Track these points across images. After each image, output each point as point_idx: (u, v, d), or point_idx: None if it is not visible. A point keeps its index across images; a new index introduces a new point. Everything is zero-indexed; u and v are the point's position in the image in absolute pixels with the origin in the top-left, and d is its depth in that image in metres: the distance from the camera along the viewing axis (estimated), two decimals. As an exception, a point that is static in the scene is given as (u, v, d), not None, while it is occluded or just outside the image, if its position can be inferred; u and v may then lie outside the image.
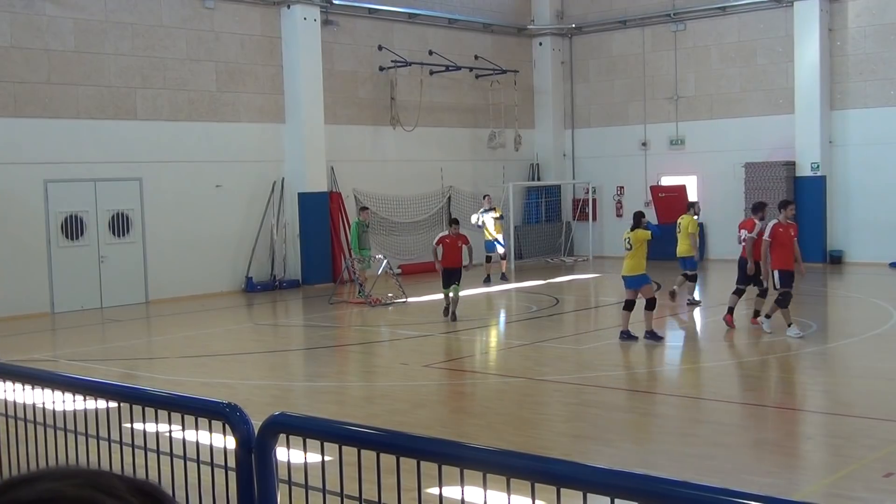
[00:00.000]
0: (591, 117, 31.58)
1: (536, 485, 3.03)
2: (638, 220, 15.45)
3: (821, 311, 19.78)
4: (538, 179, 31.55)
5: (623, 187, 30.72)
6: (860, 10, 26.29)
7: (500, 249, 24.88)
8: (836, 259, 26.61)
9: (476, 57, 29.55)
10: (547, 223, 31.31)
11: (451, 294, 18.09)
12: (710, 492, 2.69)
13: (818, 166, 26.68)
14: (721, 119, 28.66)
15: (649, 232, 15.37)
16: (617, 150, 30.77)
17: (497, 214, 24.82)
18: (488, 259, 24.79)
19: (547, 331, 17.61)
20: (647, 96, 30.20)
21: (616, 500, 2.84)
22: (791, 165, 26.96)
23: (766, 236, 15.34)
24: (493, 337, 17.50)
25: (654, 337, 15.13)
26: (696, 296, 20.08)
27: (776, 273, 15.30)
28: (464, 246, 18.47)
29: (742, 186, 27.41)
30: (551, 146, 31.71)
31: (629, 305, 15.30)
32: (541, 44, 31.62)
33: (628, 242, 15.33)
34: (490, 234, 24.57)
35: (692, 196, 26.53)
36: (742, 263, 16.33)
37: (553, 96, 31.68)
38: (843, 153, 26.70)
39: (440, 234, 19.10)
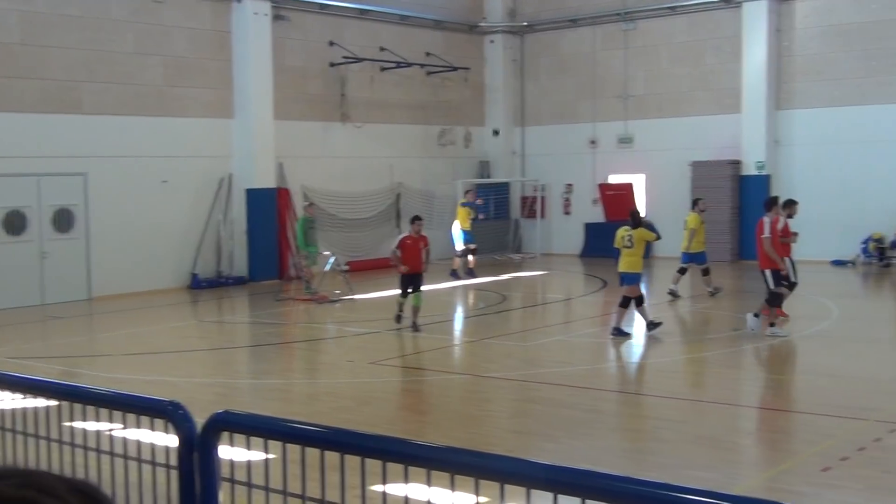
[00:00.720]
0: (541, 115, 31.72)
1: (480, 481, 3.05)
2: (639, 218, 15.65)
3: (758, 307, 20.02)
4: (488, 177, 31.63)
5: (572, 185, 30.89)
6: (808, 11, 26.68)
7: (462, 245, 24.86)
8: (780, 257, 26.95)
9: (427, 54, 29.55)
10: (496, 220, 31.43)
11: (412, 303, 16.49)
12: (651, 487, 2.72)
13: (763, 165, 27.06)
14: (669, 118, 28.92)
15: (654, 234, 15.75)
16: (566, 148, 30.93)
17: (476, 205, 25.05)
18: (473, 252, 24.81)
19: (494, 328, 17.68)
20: (597, 95, 30.40)
21: (559, 497, 2.86)
22: (737, 164, 27.32)
23: (765, 234, 15.23)
24: (441, 334, 17.51)
25: (621, 333, 15.32)
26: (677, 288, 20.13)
27: (769, 272, 15.28)
28: (424, 248, 16.82)
29: (689, 185, 27.71)
30: (501, 144, 31.81)
31: (626, 302, 15.36)
32: (492, 41, 31.68)
33: (629, 240, 15.39)
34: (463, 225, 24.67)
35: (639, 194, 26.80)
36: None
37: (504, 94, 31.77)
38: (789, 153, 27.09)
39: (401, 235, 17.67)
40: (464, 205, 25.10)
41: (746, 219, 27.17)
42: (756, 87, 27.01)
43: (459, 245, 24.82)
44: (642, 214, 16.02)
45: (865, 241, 25.38)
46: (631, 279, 15.45)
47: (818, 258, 25.78)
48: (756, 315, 15.35)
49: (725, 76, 27.84)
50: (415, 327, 16.34)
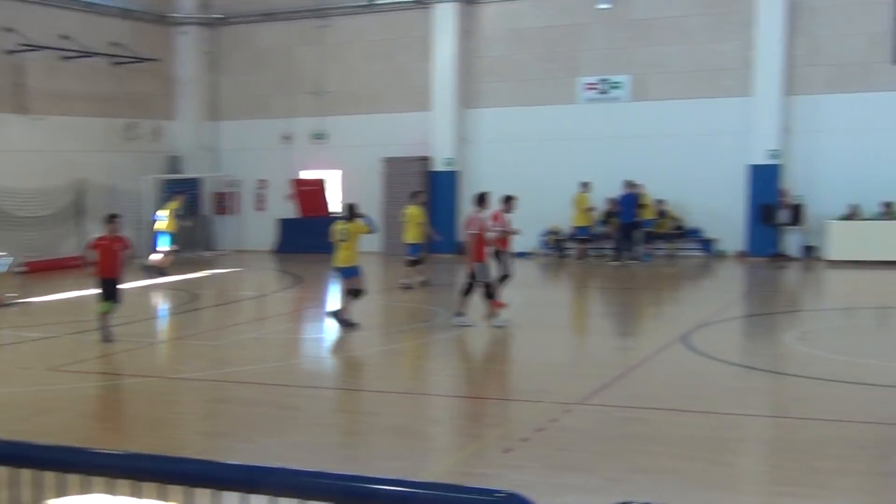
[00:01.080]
0: (235, 110, 31.25)
1: (167, 486, 2.99)
2: (354, 212, 15.77)
3: (449, 299, 20.80)
4: (178, 172, 30.77)
5: (266, 180, 30.67)
6: (494, 14, 27.96)
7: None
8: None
9: (114, 44, 28.29)
10: (187, 217, 30.61)
11: (100, 310, 14.87)
12: (338, 479, 2.77)
13: (452, 161, 28.11)
14: (363, 115, 29.37)
15: (367, 227, 15.90)
16: (260, 142, 30.68)
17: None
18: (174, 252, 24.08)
19: (184, 327, 17.26)
20: (292, 90, 30.36)
21: (250, 497, 2.86)
22: (427, 160, 28.20)
23: (486, 230, 15.75)
24: (126, 336, 16.83)
25: (347, 324, 15.36)
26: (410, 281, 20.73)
27: (479, 265, 15.67)
28: (122, 251, 14.91)
29: (381, 180, 28.30)
30: (193, 138, 31.04)
31: (355, 294, 15.63)
32: (185, 33, 30.84)
33: (343, 234, 15.51)
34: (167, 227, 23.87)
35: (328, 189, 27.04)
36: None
37: (196, 87, 31.02)
38: (476, 150, 28.29)
39: (94, 236, 15.80)
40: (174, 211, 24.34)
41: (437, 213, 28.12)
42: (445, 86, 28.01)
43: (164, 245, 24.06)
44: (360, 209, 16.14)
45: (544, 234, 26.98)
46: (349, 272, 15.66)
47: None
48: (459, 314, 15.80)
49: (416, 75, 28.65)
50: (106, 337, 14.67)
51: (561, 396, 10.86)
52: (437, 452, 9.41)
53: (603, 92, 26.99)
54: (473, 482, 7.57)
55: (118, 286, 14.84)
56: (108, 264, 14.66)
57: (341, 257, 15.60)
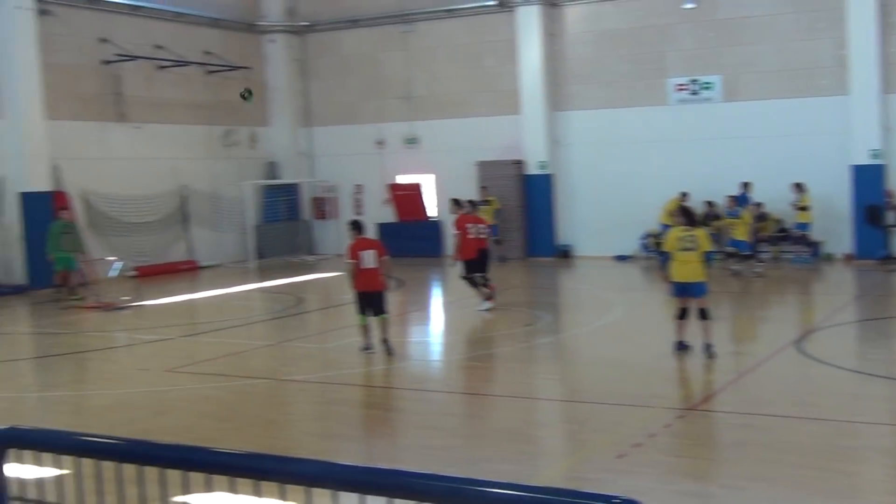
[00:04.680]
0: (327, 115, 31.59)
1: (286, 486, 2.99)
2: (693, 215, 13.62)
3: (552, 303, 20.73)
4: (276, 178, 31.24)
5: (362, 185, 30.94)
6: (577, 16, 27.72)
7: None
8: (565, 253, 27.94)
9: (206, 52, 28.87)
10: (286, 222, 31.11)
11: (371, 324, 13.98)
12: (455, 482, 2.74)
13: (545, 165, 27.94)
14: (453, 119, 29.38)
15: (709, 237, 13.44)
16: (354, 148, 30.93)
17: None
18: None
19: (291, 330, 17.48)
20: (380, 95, 30.55)
21: (366, 497, 2.84)
22: (520, 164, 28.08)
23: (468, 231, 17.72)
24: (237, 338, 17.15)
25: (683, 347, 13.29)
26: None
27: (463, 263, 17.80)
28: (383, 258, 14.08)
29: (475, 184, 28.31)
30: (288, 144, 31.48)
31: (684, 314, 13.24)
32: (273, 41, 31.27)
33: (690, 242, 12.85)
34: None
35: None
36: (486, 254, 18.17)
37: (288, 94, 31.44)
38: (568, 153, 28.07)
39: (351, 243, 14.39)
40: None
41: (533, 215, 28.03)
42: (533, 89, 27.85)
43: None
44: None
45: (644, 237, 26.60)
46: (698, 289, 13.02)
47: (601, 254, 26.86)
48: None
49: (504, 78, 28.52)
50: (388, 349, 13.80)
51: (673, 401, 10.68)
52: (549, 457, 9.33)
53: (694, 93, 26.51)
54: (587, 487, 7.45)
55: (381, 299, 13.95)
56: (367, 276, 13.86)
57: (687, 271, 12.86)
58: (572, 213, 28.02)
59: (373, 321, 13.91)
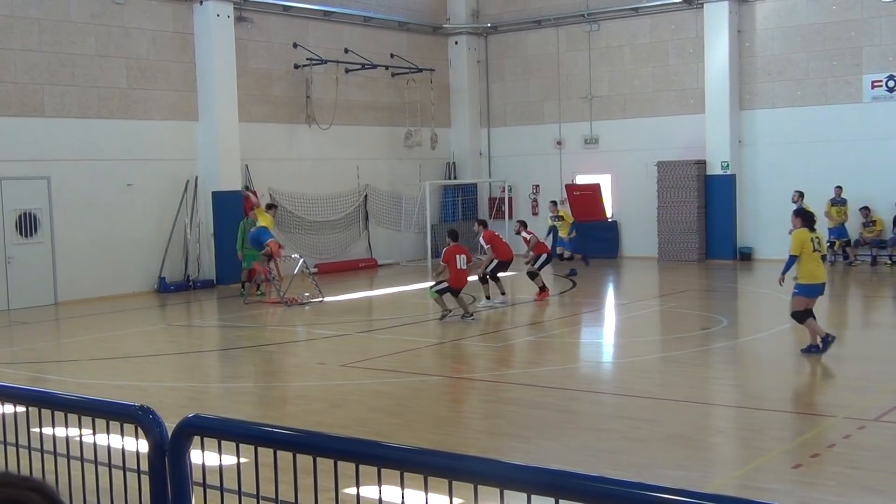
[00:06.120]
0: (506, 116, 31.78)
1: (454, 482, 3.03)
2: (812, 217, 13.92)
3: (731, 306, 20.21)
4: (454, 178, 31.65)
5: (538, 186, 30.96)
6: (768, 12, 26.92)
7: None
8: (746, 256, 27.19)
9: (392, 55, 29.53)
10: (464, 221, 31.42)
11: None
12: (623, 486, 2.72)
13: (728, 165, 27.24)
14: (634, 118, 29.08)
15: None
16: (532, 148, 31.02)
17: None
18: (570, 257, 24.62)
19: (463, 329, 17.66)
20: (561, 96, 30.49)
21: (532, 497, 2.86)
22: (702, 164, 27.49)
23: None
24: (411, 335, 17.47)
25: (818, 348, 13.42)
26: None
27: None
28: (471, 263, 18.19)
29: (655, 185, 27.87)
30: (467, 145, 31.85)
31: (811, 314, 13.41)
32: (456, 43, 31.73)
33: (818, 243, 13.45)
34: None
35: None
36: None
37: (469, 95, 31.82)
38: (752, 152, 27.30)
39: (447, 248, 18.21)
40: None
41: (714, 218, 27.39)
42: (719, 88, 27.20)
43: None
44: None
45: (828, 240, 25.55)
46: (821, 289, 13.58)
47: (784, 256, 25.87)
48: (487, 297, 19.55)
49: (689, 77, 28.03)
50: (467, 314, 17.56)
51: (853, 412, 10.25)
52: (721, 464, 9.11)
53: (891, 90, 25.25)
54: (762, 497, 7.27)
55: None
56: (460, 274, 17.74)
57: (823, 271, 13.44)
58: (754, 215, 27.26)
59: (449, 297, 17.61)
